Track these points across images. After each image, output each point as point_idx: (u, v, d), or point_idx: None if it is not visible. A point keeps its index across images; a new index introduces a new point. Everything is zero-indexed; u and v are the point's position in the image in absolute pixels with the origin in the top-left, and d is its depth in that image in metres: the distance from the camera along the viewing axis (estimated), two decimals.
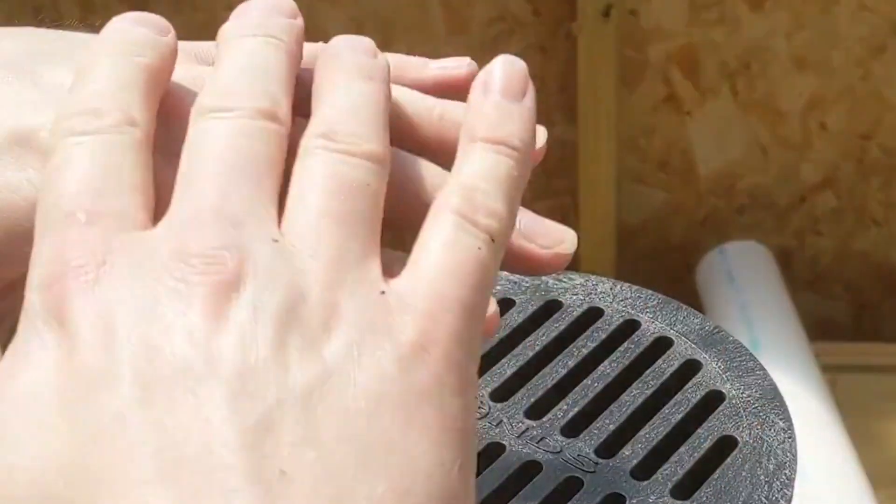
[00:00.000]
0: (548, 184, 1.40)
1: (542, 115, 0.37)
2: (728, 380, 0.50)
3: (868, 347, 1.34)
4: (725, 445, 0.48)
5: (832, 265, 1.42)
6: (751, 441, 0.48)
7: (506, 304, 0.54)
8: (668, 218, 1.42)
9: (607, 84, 1.32)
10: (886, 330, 1.45)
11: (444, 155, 0.38)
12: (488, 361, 0.52)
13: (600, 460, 0.47)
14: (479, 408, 0.49)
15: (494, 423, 0.49)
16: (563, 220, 1.34)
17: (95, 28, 0.38)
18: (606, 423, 0.49)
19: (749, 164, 1.38)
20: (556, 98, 1.36)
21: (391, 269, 0.32)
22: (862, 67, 1.33)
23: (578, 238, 0.42)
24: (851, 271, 1.43)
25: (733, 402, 0.49)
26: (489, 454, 0.48)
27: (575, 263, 1.43)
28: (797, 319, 1.29)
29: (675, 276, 1.45)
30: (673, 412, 0.49)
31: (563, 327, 0.53)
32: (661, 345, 0.52)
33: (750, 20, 1.33)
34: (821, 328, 1.43)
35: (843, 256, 1.42)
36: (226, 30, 0.37)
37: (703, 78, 1.35)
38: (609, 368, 0.51)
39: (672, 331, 0.53)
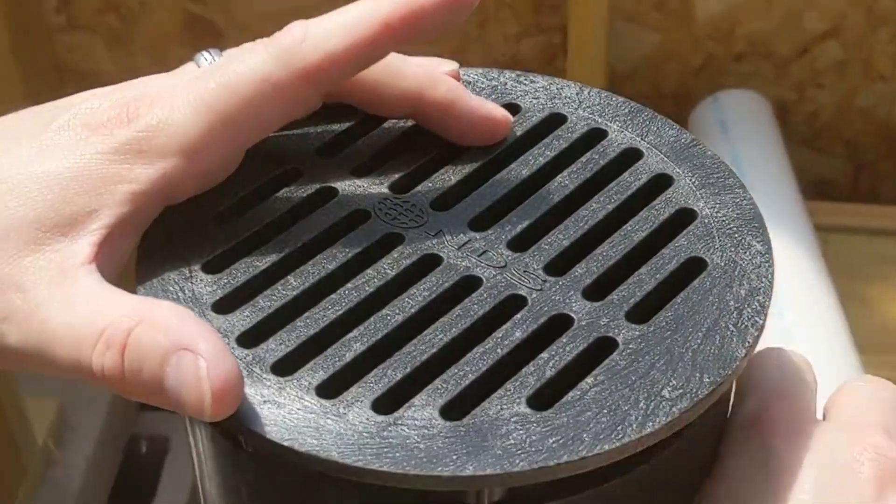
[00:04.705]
0: (537, 20, 1.31)
1: None
2: (702, 197, 0.43)
3: (864, 209, 1.28)
4: (693, 268, 0.41)
5: (832, 121, 1.35)
6: (722, 264, 0.41)
7: None
8: (661, 62, 1.34)
9: None
10: (884, 191, 1.38)
11: None
12: (429, 168, 0.45)
13: (549, 278, 0.40)
14: (418, 216, 0.43)
15: (432, 233, 0.42)
16: (551, 60, 1.24)
17: None
18: (560, 239, 0.42)
19: (751, 9, 1.30)
20: None
21: None
22: None
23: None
24: (852, 128, 1.35)
25: (706, 220, 0.42)
26: (423, 266, 0.41)
27: None
28: (792, 176, 1.22)
29: None
30: (636, 229, 0.42)
31: (518, 133, 0.46)
32: (629, 156, 0.45)
33: None
34: (816, 187, 1.37)
35: (844, 112, 1.34)
36: None
37: None
38: (567, 180, 0.44)
39: (643, 142, 0.46)
